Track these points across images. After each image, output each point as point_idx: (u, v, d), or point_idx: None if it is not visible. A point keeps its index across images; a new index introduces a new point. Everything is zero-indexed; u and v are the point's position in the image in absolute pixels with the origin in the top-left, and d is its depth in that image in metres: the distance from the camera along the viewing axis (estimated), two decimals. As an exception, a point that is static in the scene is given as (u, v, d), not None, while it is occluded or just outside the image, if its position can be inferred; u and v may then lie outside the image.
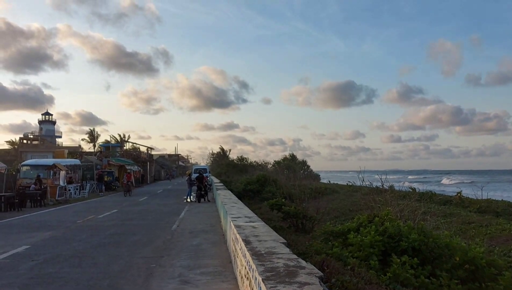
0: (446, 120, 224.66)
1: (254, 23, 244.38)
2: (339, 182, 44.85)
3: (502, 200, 21.74)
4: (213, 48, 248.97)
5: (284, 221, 14.96)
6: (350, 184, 24.93)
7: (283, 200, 15.06)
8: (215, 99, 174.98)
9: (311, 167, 52.75)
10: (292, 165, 44.73)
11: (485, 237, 10.57)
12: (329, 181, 44.49)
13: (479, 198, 19.69)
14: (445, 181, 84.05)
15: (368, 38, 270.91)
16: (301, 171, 44.90)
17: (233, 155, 58.08)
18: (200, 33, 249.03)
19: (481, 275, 6.71)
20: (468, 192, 22.55)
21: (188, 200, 22.50)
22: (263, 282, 3.22)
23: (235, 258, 6.33)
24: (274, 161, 51.05)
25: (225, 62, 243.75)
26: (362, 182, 13.28)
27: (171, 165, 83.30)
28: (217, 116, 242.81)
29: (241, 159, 50.53)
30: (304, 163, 51.27)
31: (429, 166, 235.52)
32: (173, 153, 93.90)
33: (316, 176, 51.08)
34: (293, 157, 51.20)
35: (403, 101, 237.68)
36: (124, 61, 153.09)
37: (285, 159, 50.05)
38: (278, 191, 22.69)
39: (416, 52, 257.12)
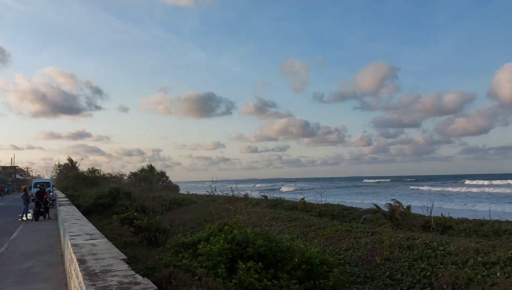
0: (296, 132, 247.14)
1: (110, 26, 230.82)
2: (198, 192, 45.14)
3: (338, 204, 24.66)
4: (62, 49, 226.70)
5: (136, 236, 14.29)
6: (208, 193, 25.27)
7: (135, 213, 14.35)
8: (63, 105, 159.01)
9: (171, 178, 51.95)
10: (149, 177, 43.29)
11: (322, 238, 11.74)
12: (188, 192, 44.41)
13: (319, 203, 21.91)
14: (284, 188, 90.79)
15: (228, 52, 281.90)
16: (159, 183, 43.84)
17: (83, 167, 53.59)
18: (46, 32, 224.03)
19: (315, 274, 7.36)
20: (311, 198, 24.96)
21: (24, 218, 19.77)
22: (88, 304, 2.93)
23: (70, 280, 5.71)
24: (131, 172, 48.73)
25: (76, 65, 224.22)
26: (215, 192, 13.53)
27: (6, 179, 72.51)
28: (65, 124, 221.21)
29: (93, 171, 46.86)
30: (162, 174, 50.15)
31: (282, 175, 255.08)
32: (9, 165, 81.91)
33: (175, 187, 50.49)
34: (151, 168, 49.64)
35: (259, 114, 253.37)
36: None
37: (142, 170, 48.19)
38: (132, 204, 21.61)
39: (270, 68, 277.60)
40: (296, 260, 7.40)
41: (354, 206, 24.11)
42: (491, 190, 58.96)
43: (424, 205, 17.00)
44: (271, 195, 27.11)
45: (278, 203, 22.88)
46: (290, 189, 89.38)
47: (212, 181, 13.39)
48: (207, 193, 24.63)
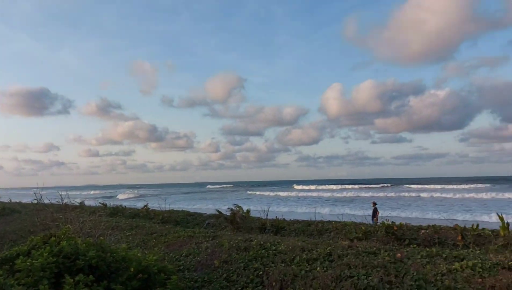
0: (143, 136, 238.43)
1: None
2: (23, 200, 39.97)
3: (182, 210, 24.66)
4: None
5: None
6: (36, 202, 22.39)
7: None
8: None
9: (-13, 184, 44.57)
10: (-41, 183, 36.33)
11: (163, 245, 11.49)
12: (10, 200, 38.87)
13: (163, 210, 21.54)
14: (121, 196, 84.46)
15: (67, 46, 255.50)
16: (-28, 190, 37.14)
17: None
18: None
19: (153, 282, 7.13)
20: (155, 205, 24.40)
21: None
22: None
23: None
24: None
25: None
26: (41, 200, 12.04)
27: None
28: None
29: None
30: (-24, 179, 42.69)
31: (127, 181, 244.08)
32: None
33: (-7, 195, 43.52)
34: (-39, 172, 41.73)
35: (102, 115, 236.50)
36: None
37: None
38: None
39: (117, 68, 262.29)
40: (132, 269, 7.05)
41: (198, 211, 24.45)
42: (316, 194, 66.98)
43: (262, 209, 18.26)
44: (109, 203, 25.57)
45: (118, 211, 21.69)
46: (130, 196, 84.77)
47: (39, 187, 11.83)
48: (35, 201, 21.78)
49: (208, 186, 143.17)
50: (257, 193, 79.89)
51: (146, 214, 19.94)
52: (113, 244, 9.24)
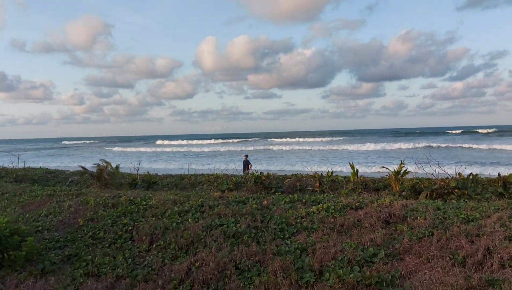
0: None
1: None
2: None
3: (40, 167, 22.37)
4: None
5: None
6: None
7: None
8: None
9: None
10: None
11: (18, 206, 10.32)
12: None
13: (17, 168, 19.23)
14: None
15: None
16: None
17: None
18: None
19: (4, 246, 6.40)
20: (5, 163, 21.60)
21: None
22: None
23: None
24: None
25: None
26: None
27: None
28: None
29: None
30: None
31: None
32: None
33: None
34: None
35: None
36: None
37: None
38: None
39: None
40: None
41: (60, 169, 22.50)
42: (190, 149, 67.10)
43: (133, 165, 17.63)
44: None
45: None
46: None
47: None
48: None
49: (63, 142, 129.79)
50: (116, 148, 75.10)
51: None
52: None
